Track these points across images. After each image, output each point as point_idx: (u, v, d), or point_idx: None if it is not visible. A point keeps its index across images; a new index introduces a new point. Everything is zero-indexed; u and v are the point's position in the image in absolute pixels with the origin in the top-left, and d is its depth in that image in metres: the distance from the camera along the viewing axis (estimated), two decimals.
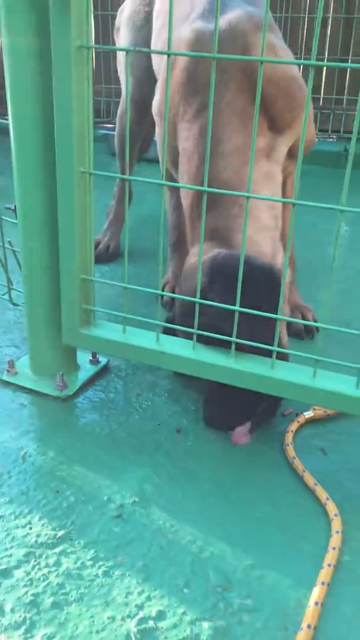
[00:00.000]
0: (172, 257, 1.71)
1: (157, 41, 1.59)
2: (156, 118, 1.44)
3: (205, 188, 1.01)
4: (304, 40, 3.27)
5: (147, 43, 1.73)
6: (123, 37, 1.86)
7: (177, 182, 1.40)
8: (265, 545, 0.94)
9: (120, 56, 1.91)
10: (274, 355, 1.07)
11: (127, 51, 0.98)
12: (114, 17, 1.97)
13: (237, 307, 1.05)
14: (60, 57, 1.01)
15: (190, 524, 0.98)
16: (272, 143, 1.26)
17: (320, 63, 0.87)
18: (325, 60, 3.13)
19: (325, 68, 3.30)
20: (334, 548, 0.92)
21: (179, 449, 1.14)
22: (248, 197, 0.99)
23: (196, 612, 0.83)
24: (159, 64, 1.59)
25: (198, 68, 1.25)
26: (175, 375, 1.36)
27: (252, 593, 0.86)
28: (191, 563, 0.91)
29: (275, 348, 1.06)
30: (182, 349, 1.14)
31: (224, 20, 1.24)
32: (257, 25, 1.24)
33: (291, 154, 1.33)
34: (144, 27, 1.77)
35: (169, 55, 0.94)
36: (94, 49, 1.04)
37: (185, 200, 1.29)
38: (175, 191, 1.61)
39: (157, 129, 1.45)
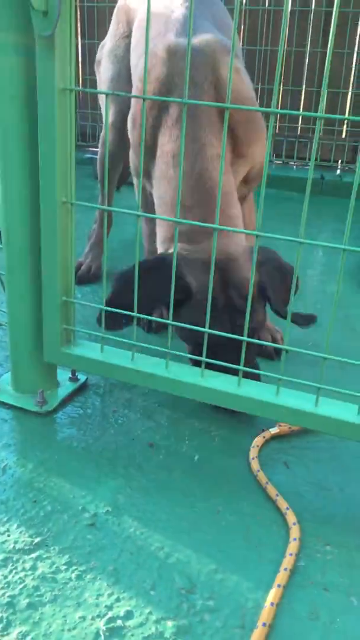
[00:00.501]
0: None
1: (134, 58, 1.69)
2: (129, 125, 1.54)
3: (177, 219, 1.10)
4: (283, 72, 3.40)
5: (129, 71, 1.83)
6: (105, 70, 1.96)
7: (152, 194, 1.52)
8: (228, 551, 1.01)
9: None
10: (240, 374, 1.15)
11: (107, 94, 1.07)
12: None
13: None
14: (44, 98, 1.10)
15: (159, 531, 1.05)
16: (233, 167, 1.37)
17: (280, 111, 0.96)
18: (303, 91, 3.27)
19: (303, 97, 3.44)
20: (290, 554, 0.99)
21: (151, 462, 1.21)
22: (215, 229, 1.07)
23: (161, 612, 0.90)
24: (134, 69, 1.70)
25: (173, 79, 1.36)
26: (150, 392, 1.44)
27: (213, 595, 0.93)
28: (158, 567, 0.98)
29: (243, 368, 1.14)
30: (156, 368, 1.22)
31: (196, 39, 1.37)
32: (225, 47, 1.38)
33: (244, 181, 1.44)
34: (125, 57, 1.88)
35: (144, 100, 1.03)
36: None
37: (167, 194, 1.38)
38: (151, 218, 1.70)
39: (132, 138, 1.53)
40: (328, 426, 1.10)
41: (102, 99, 2.04)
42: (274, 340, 1.66)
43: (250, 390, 1.15)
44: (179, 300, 1.26)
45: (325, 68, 0.90)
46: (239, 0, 0.95)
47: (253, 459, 1.22)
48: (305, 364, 1.56)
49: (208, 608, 0.91)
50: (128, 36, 1.85)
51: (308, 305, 1.99)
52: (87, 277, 2.10)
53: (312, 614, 0.91)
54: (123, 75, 1.88)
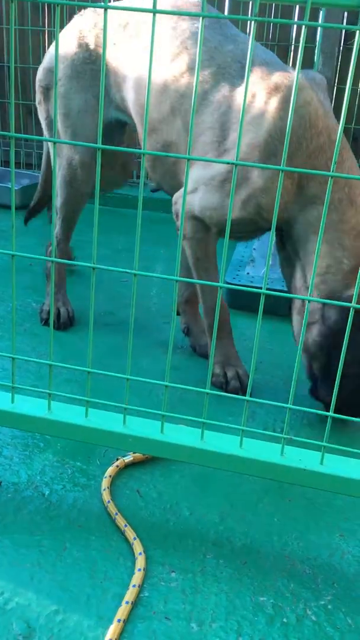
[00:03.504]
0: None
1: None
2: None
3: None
4: None
5: (97, 99, 1.68)
6: (67, 100, 1.75)
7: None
8: (71, 589, 0.99)
9: (60, 124, 1.78)
10: (87, 405, 1.14)
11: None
12: None
13: None
14: None
15: (0, 576, 1.01)
16: None
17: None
18: None
19: None
20: (134, 585, 0.99)
21: None
22: None
23: None
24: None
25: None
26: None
27: (52, 637, 0.91)
28: None
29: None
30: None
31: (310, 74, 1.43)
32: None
33: None
34: (92, 85, 1.72)
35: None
36: None
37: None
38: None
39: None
40: (174, 453, 1.12)
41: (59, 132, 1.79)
42: (238, 376, 1.64)
43: (98, 421, 1.15)
44: None
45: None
46: None
47: (105, 489, 1.21)
48: (138, 394, 1.58)
49: None
50: (94, 61, 1.69)
51: None
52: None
53: None
54: (91, 105, 1.72)
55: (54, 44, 1.81)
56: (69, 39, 1.76)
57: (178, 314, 1.86)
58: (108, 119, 1.77)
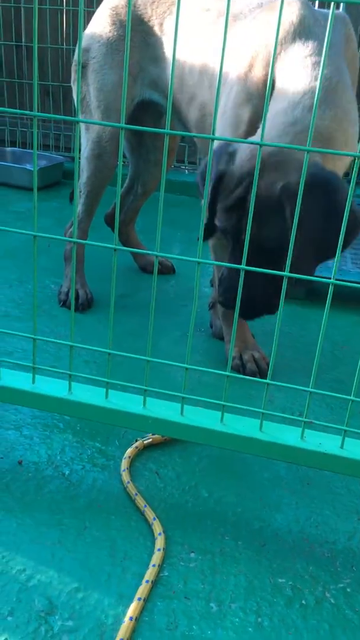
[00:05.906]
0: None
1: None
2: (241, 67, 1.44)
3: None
4: None
5: (132, 75, 1.73)
6: (101, 75, 1.77)
7: None
8: (92, 567, 1.01)
9: (94, 98, 1.79)
10: (107, 386, 1.15)
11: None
12: None
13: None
14: None
15: (22, 553, 1.02)
16: None
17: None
18: None
19: None
20: (154, 565, 1.00)
21: (19, 479, 1.18)
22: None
23: (17, 638, 0.88)
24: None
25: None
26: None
27: (74, 614, 0.92)
28: (18, 591, 0.95)
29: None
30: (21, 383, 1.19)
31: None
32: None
33: None
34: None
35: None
36: None
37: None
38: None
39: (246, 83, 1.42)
40: (194, 435, 1.12)
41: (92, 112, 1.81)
42: (255, 360, 1.64)
43: (118, 402, 1.15)
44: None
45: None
46: None
47: (124, 470, 1.22)
48: (159, 376, 1.58)
49: (67, 629, 0.90)
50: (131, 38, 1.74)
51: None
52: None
53: (171, 624, 0.92)
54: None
55: (90, 24, 1.83)
56: (103, 17, 1.79)
57: (212, 285, 1.90)
58: (140, 97, 1.79)
